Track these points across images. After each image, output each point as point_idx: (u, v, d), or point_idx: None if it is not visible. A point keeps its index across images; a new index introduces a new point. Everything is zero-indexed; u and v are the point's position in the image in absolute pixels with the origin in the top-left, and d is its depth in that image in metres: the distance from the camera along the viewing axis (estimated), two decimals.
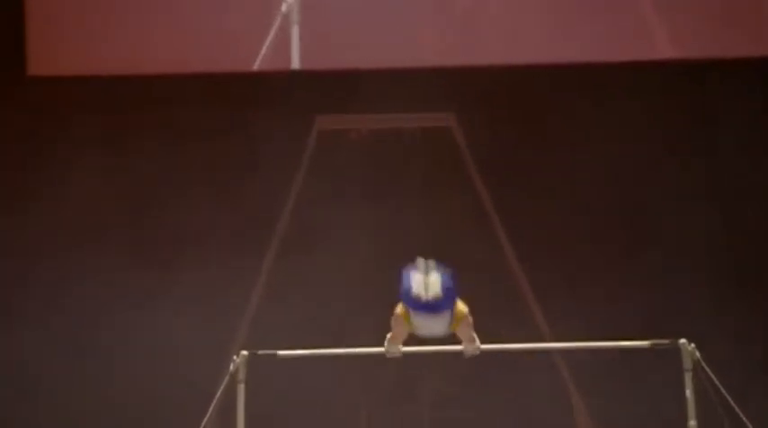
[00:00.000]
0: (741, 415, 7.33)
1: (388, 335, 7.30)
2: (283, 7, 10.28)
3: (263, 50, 10.22)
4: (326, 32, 10.23)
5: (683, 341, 7.38)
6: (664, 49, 10.12)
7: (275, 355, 7.68)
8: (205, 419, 7.68)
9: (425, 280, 6.88)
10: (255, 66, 10.20)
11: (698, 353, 7.36)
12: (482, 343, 7.21)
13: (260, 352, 7.63)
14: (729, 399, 7.28)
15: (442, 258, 7.21)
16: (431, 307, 6.87)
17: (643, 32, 10.16)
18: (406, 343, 7.30)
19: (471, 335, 7.19)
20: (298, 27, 10.28)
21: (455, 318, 7.03)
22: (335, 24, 10.21)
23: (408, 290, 6.89)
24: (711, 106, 10.00)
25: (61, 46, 10.38)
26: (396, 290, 7.10)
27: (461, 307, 7.06)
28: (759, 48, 10.13)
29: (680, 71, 10.01)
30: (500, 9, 10.18)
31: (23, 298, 9.96)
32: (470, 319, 7.10)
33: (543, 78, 9.99)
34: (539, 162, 9.97)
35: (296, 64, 10.26)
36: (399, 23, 10.16)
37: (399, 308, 7.09)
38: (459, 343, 7.23)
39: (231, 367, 7.59)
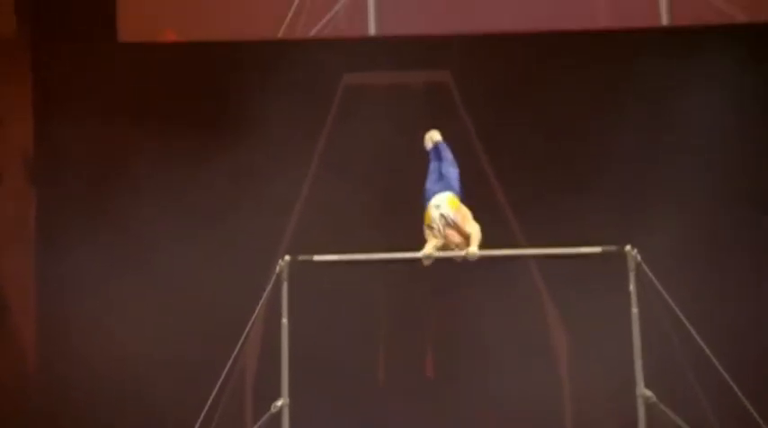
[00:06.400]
0: (669, 300, 8.18)
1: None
2: None
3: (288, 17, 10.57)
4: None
5: (627, 247, 8.26)
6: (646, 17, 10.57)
7: (311, 260, 8.41)
8: (257, 309, 8.46)
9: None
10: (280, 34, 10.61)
11: (639, 257, 8.23)
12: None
13: (300, 257, 8.40)
14: (661, 290, 8.18)
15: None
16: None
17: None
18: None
19: (476, 230, 8.33)
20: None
21: (454, 205, 8.30)
22: None
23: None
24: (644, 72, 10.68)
25: (150, 14, 10.64)
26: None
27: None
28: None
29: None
30: None
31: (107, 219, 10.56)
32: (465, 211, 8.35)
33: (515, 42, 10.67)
34: (517, 101, 10.65)
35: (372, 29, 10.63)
36: None
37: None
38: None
39: (277, 269, 8.37)
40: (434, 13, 10.41)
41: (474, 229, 8.33)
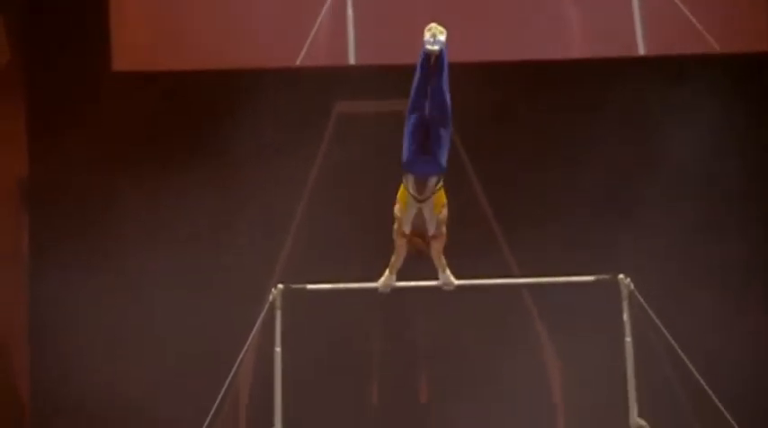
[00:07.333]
0: (663, 329, 8.24)
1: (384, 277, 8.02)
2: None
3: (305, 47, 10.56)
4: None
5: (620, 276, 8.26)
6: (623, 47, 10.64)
7: (305, 288, 8.45)
8: (250, 337, 8.50)
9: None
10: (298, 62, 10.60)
11: (632, 285, 8.24)
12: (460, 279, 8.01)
13: (293, 285, 8.43)
14: (655, 319, 8.23)
15: None
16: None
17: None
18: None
19: (443, 263, 7.91)
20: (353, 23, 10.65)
21: (438, 203, 7.65)
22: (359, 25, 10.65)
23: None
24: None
25: (142, 43, 10.63)
26: None
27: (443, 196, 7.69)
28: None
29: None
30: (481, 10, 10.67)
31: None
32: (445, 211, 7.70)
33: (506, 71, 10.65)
34: (508, 129, 10.61)
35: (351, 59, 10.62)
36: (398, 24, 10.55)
37: (399, 194, 7.71)
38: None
39: (270, 297, 8.38)
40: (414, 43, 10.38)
41: (442, 243, 7.84)
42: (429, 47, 7.52)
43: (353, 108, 10.67)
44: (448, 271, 7.99)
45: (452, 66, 7.74)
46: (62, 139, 10.51)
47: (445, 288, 8.05)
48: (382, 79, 10.39)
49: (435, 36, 7.53)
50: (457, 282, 8.02)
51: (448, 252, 8.11)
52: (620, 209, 10.45)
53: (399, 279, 8.19)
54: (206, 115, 10.60)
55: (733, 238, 10.48)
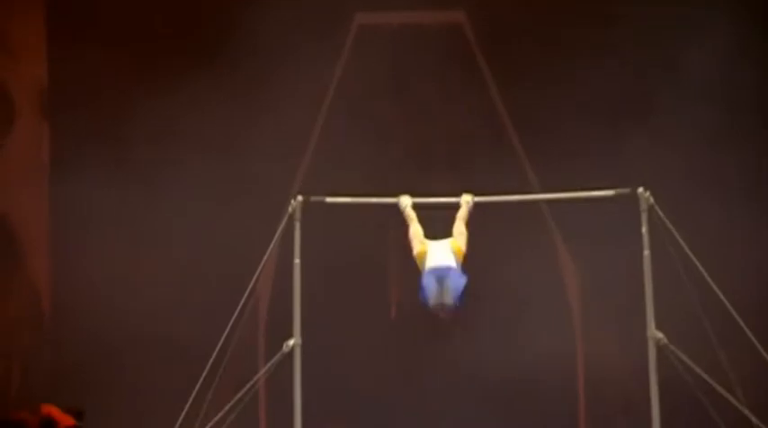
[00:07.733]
0: (682, 243, 8.16)
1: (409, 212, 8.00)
2: None
3: None
4: None
5: (640, 189, 8.21)
6: None
7: (324, 201, 8.45)
8: (269, 249, 8.46)
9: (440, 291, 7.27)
10: None
11: (651, 199, 8.19)
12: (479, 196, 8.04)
13: (312, 198, 8.39)
14: (674, 232, 8.15)
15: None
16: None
17: None
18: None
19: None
20: None
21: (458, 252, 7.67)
22: None
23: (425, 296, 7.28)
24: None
25: None
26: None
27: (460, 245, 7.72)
28: None
29: None
30: None
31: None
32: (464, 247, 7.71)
33: None
34: (531, 41, 10.62)
35: None
36: None
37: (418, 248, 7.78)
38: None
39: (289, 209, 8.35)
40: None
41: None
42: (441, 313, 7.39)
43: (375, 19, 10.58)
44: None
45: None
46: (81, 47, 10.51)
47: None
48: None
49: (444, 304, 7.37)
50: (476, 199, 7.99)
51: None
52: (639, 123, 10.40)
53: (419, 195, 8.19)
54: (227, 25, 10.57)
55: (753, 150, 10.47)
